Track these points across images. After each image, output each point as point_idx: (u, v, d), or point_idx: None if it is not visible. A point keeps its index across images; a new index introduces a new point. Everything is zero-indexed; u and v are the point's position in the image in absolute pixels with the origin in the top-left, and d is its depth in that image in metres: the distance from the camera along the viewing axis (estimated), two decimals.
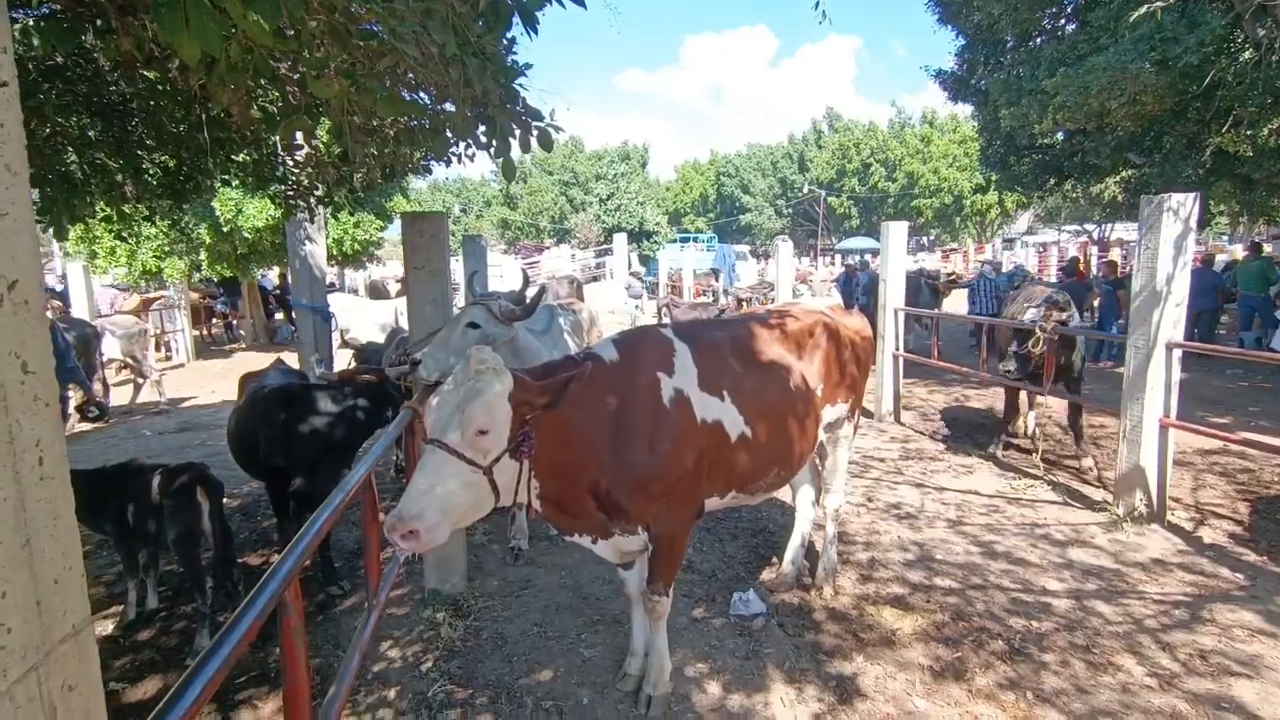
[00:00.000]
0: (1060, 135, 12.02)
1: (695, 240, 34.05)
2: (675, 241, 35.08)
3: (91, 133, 3.86)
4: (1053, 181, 13.59)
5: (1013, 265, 19.95)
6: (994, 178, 21.73)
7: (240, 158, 4.37)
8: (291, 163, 4.54)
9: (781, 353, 3.20)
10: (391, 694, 3.07)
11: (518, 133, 2.20)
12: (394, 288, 18.56)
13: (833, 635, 3.45)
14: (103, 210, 4.51)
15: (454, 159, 4.06)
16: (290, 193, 4.55)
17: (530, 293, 3.91)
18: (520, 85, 2.21)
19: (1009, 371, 5.67)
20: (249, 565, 4.41)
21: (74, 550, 0.63)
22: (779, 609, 3.70)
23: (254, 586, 1.41)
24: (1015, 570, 4.07)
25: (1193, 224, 4.52)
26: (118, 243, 11.96)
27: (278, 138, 3.83)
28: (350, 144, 2.75)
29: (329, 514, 1.78)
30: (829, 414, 3.46)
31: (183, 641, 3.54)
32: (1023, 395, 6.61)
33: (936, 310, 11.71)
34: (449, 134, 2.46)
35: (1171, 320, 4.55)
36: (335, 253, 13.72)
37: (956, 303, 15.09)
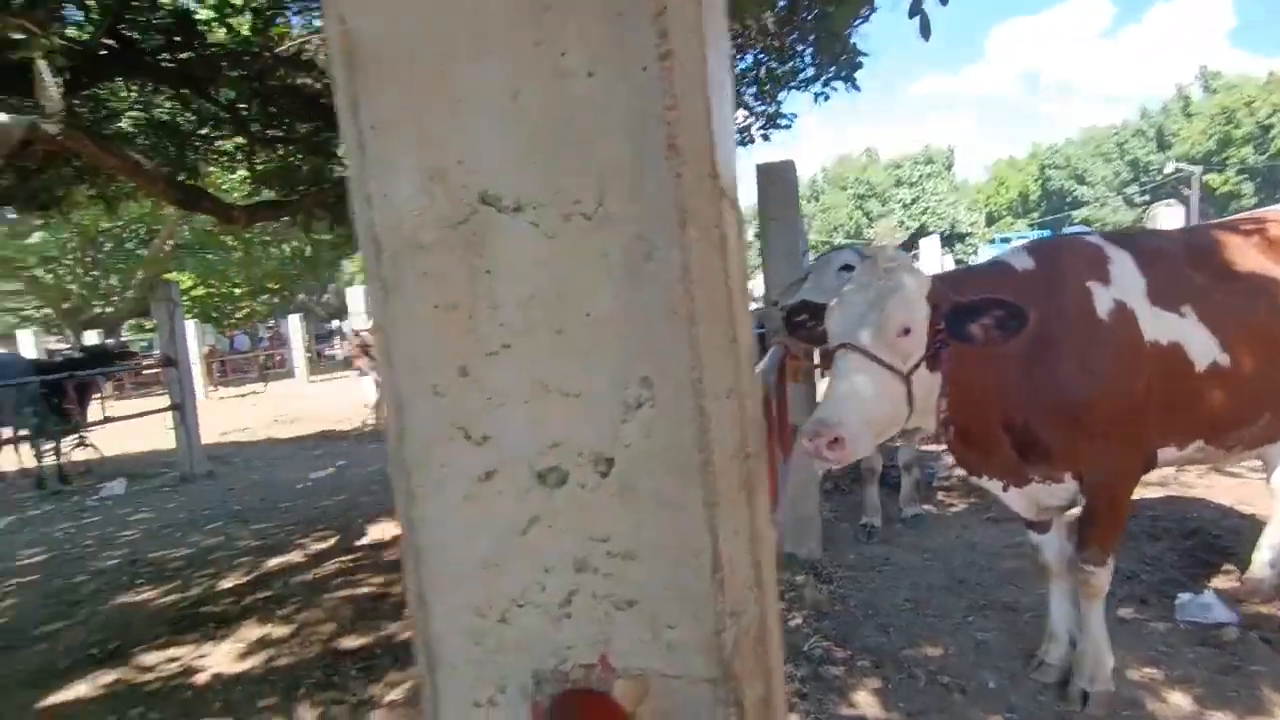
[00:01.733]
0: None
1: (1021, 240, 29.88)
2: (993, 242, 31.23)
3: None
4: None
5: None
6: None
7: None
8: None
9: (1266, 264, 2.41)
10: None
11: None
12: None
13: None
14: None
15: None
16: None
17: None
18: None
19: None
20: None
21: None
22: (1254, 621, 2.77)
23: None
24: None
25: None
26: None
27: None
28: None
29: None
30: None
31: None
32: None
33: None
34: None
35: None
36: None
37: None
